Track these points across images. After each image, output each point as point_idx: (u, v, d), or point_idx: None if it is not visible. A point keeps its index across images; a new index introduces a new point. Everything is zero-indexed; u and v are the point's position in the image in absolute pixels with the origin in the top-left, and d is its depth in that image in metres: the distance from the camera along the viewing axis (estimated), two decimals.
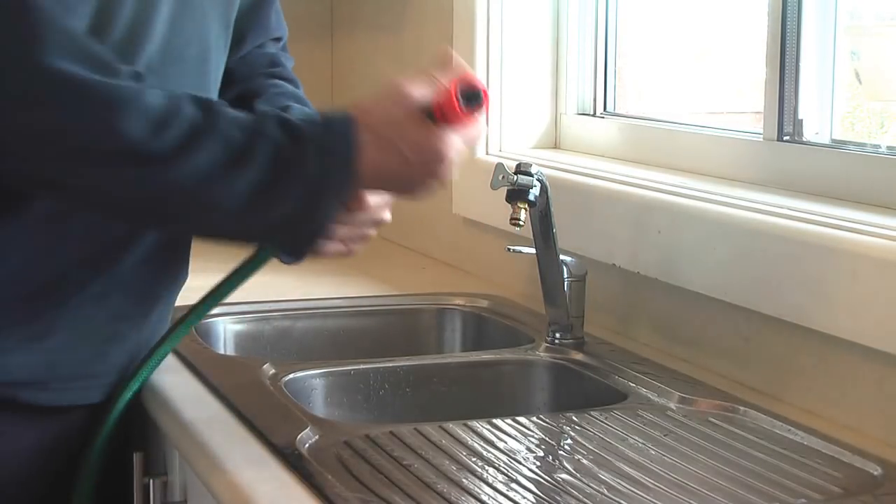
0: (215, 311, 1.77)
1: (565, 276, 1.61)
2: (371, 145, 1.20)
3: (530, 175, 1.45)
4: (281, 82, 1.54)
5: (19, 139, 1.19)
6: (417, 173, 1.23)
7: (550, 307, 1.63)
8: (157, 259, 1.40)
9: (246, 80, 1.53)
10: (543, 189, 1.50)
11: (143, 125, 1.17)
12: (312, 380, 1.55)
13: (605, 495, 1.16)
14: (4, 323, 1.32)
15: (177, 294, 1.48)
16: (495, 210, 1.41)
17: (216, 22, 1.41)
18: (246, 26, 1.52)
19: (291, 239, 1.25)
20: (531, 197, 1.44)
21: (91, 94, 1.17)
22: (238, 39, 1.50)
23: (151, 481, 1.41)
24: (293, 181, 1.20)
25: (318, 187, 1.20)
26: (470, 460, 1.24)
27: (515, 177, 1.43)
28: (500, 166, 1.43)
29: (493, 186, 1.43)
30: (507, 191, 1.44)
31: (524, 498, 1.16)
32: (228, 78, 1.48)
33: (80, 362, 1.39)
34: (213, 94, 1.42)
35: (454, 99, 1.19)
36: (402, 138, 1.21)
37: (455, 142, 1.22)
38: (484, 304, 1.86)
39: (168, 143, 1.18)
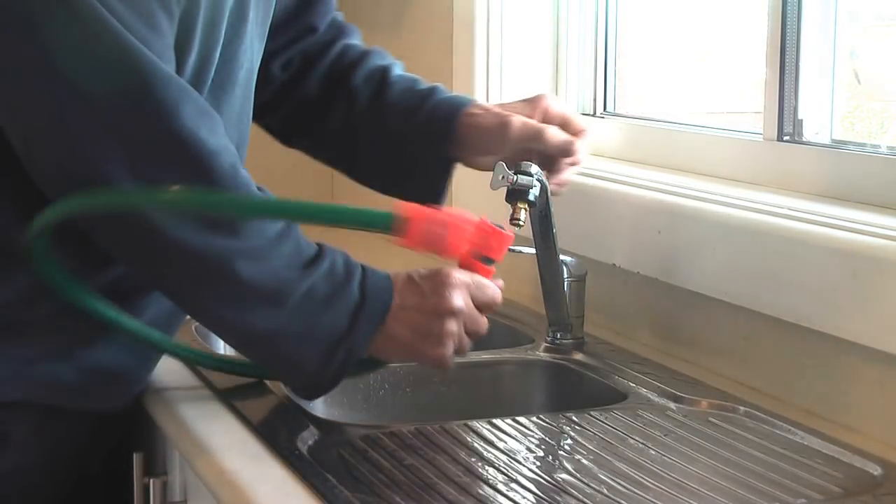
0: None
1: (565, 276, 1.61)
2: (404, 291, 1.29)
3: (530, 175, 1.45)
4: (353, 44, 1.59)
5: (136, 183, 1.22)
6: (438, 321, 1.29)
7: (550, 307, 1.63)
8: None
9: (321, 54, 1.57)
10: (543, 189, 1.50)
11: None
12: None
13: (605, 495, 1.16)
14: (53, 333, 1.34)
15: None
16: (495, 210, 1.41)
17: (258, 40, 1.44)
18: (314, 19, 1.56)
19: (312, 372, 1.28)
20: (531, 197, 1.44)
21: (216, 170, 1.22)
22: (310, 29, 1.55)
23: (151, 481, 1.41)
24: (342, 295, 1.26)
25: (356, 310, 1.27)
26: (470, 460, 1.24)
27: (515, 177, 1.43)
28: (499, 166, 1.43)
29: (493, 186, 1.43)
30: (507, 191, 1.44)
31: (524, 498, 1.16)
32: (303, 60, 1.55)
33: (122, 367, 1.41)
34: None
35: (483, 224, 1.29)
36: (426, 281, 1.30)
37: (478, 286, 1.31)
38: None
39: (263, 235, 1.24)
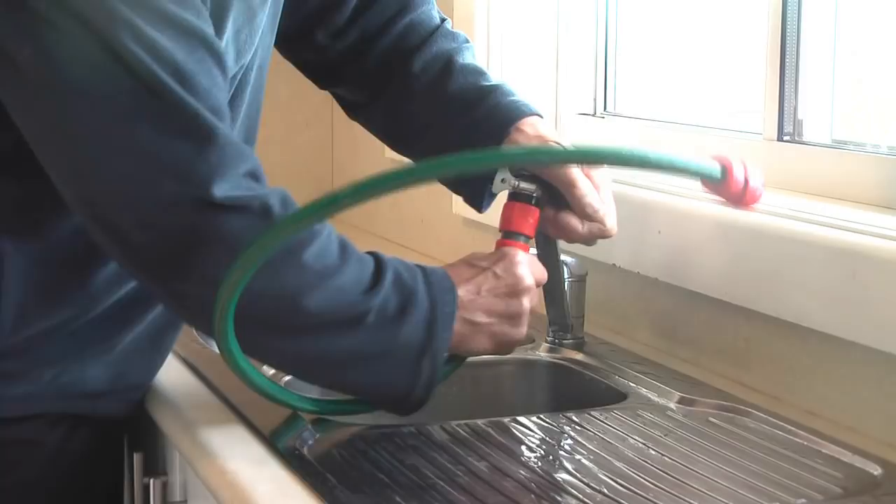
0: None
1: (565, 276, 1.61)
2: (472, 279, 1.28)
3: (532, 175, 1.44)
4: (419, 22, 1.50)
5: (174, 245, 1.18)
6: (516, 300, 1.29)
7: (550, 307, 1.63)
8: None
9: (383, 29, 1.49)
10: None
11: (307, 248, 1.19)
12: None
13: (605, 495, 1.16)
14: (81, 342, 1.35)
15: None
16: (496, 210, 1.41)
17: (269, 34, 1.41)
18: None
19: (403, 385, 1.25)
20: (532, 201, 1.43)
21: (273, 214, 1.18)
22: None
23: (151, 481, 1.41)
24: (413, 305, 1.23)
25: (430, 317, 1.23)
26: (470, 460, 1.24)
27: (517, 181, 1.42)
28: (501, 169, 1.42)
29: (495, 190, 1.41)
30: (509, 194, 1.43)
31: (524, 498, 1.15)
32: (363, 40, 1.48)
33: (138, 370, 1.42)
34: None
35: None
36: (493, 263, 1.30)
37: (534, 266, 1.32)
38: None
39: (324, 262, 1.20)
